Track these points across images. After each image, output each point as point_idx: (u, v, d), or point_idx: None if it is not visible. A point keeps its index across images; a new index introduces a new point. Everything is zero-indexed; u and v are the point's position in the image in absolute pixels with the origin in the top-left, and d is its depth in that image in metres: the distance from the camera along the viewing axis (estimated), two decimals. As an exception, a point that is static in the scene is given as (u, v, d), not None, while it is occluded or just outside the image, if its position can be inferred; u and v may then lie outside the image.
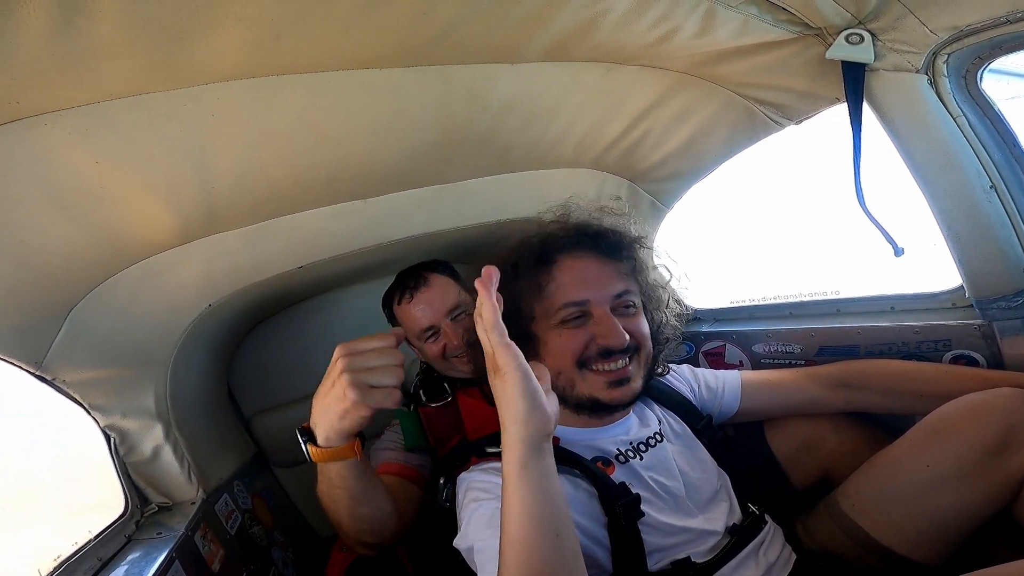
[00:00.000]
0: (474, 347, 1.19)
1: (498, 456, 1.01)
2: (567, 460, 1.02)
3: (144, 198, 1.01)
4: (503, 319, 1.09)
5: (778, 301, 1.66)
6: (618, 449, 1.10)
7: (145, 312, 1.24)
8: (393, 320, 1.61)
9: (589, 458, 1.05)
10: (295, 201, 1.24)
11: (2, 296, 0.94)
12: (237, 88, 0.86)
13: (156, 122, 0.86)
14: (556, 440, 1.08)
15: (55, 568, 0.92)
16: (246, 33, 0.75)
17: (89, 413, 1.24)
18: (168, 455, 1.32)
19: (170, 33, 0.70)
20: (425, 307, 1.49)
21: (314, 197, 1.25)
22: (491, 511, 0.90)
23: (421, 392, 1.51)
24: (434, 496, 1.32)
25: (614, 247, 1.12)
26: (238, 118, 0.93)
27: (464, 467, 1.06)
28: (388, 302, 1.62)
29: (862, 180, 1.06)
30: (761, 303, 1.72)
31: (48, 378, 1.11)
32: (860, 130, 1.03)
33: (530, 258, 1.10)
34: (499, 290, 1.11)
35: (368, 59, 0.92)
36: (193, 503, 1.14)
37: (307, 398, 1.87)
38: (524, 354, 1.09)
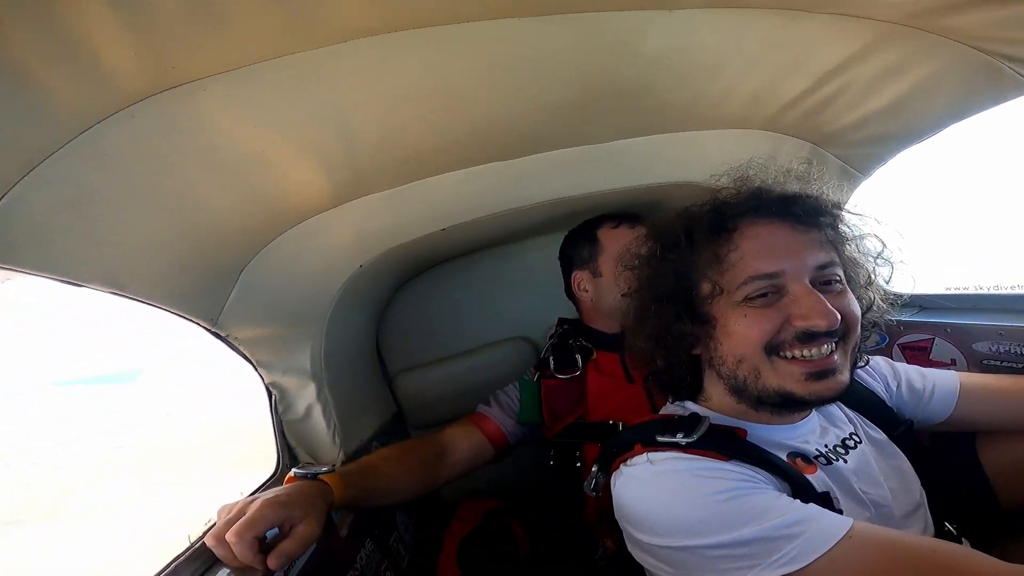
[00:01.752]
0: (629, 298, 1.05)
1: (674, 446, 0.86)
2: (756, 459, 0.84)
3: (298, 161, 1.04)
4: (673, 296, 0.94)
5: (1018, 292, 1.31)
6: (816, 449, 0.91)
7: (304, 272, 1.31)
8: (578, 251, 1.58)
9: (784, 456, 0.88)
10: (435, 163, 1.22)
11: (182, 257, 1.03)
12: (370, 45, 0.83)
13: (300, 84, 0.86)
14: (743, 433, 0.90)
15: (206, 530, 0.97)
16: None
17: (256, 370, 1.34)
18: (318, 415, 1.39)
19: None
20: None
21: (453, 159, 1.23)
22: (735, 499, 0.76)
23: (551, 359, 1.47)
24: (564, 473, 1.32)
25: (811, 212, 0.90)
26: (374, 76, 0.90)
27: (623, 455, 0.92)
28: (590, 229, 1.58)
29: None
30: (991, 292, 1.37)
31: (223, 335, 1.22)
32: None
33: (705, 224, 0.92)
34: (668, 260, 0.96)
35: (503, 7, 0.82)
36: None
37: (450, 358, 1.95)
38: (699, 338, 0.93)
